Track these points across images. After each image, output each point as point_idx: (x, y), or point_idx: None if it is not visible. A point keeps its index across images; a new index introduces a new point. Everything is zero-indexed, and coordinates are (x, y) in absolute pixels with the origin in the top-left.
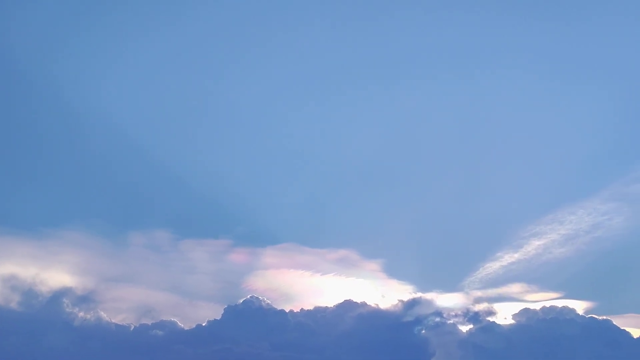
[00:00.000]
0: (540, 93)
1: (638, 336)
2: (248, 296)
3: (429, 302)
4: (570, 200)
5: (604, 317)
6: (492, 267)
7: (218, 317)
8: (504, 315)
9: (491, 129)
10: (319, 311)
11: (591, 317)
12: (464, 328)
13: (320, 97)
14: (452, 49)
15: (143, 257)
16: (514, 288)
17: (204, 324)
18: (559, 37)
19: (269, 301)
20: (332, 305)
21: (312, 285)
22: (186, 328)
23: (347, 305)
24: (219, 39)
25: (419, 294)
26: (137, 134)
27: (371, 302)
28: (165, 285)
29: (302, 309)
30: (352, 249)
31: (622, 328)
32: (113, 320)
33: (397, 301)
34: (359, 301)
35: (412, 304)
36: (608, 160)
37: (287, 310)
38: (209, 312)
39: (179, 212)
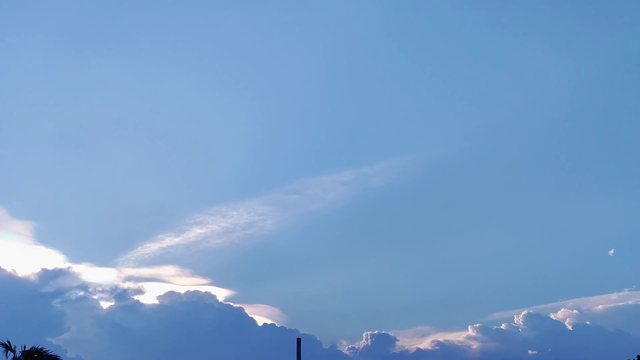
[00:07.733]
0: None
1: (262, 324)
2: None
3: (76, 275)
4: (236, 197)
5: (239, 305)
6: (151, 247)
7: None
8: (151, 295)
9: (180, 122)
10: None
11: (228, 304)
12: (106, 304)
13: None
14: (179, 53)
15: None
16: (168, 270)
17: None
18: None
19: None
20: None
21: None
22: None
23: None
24: None
25: (67, 265)
26: None
27: (8, 267)
28: None
29: None
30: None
31: (250, 316)
32: None
33: (40, 269)
34: None
35: (57, 274)
36: (274, 169)
37: None
38: None
39: None
